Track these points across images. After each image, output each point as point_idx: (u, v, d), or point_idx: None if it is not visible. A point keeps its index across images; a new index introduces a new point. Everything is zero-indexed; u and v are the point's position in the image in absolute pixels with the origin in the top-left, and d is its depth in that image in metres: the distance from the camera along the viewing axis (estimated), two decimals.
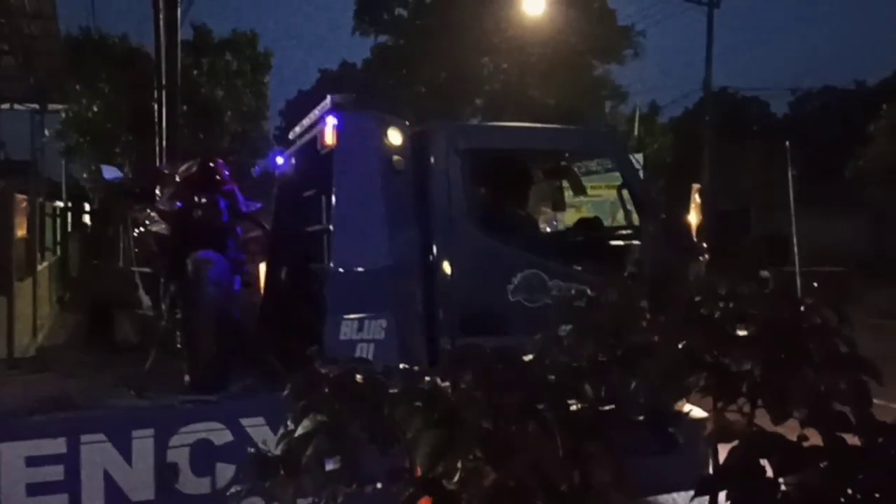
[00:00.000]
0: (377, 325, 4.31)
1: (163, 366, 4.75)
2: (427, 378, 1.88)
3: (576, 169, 6.20)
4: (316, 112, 5.31)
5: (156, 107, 12.11)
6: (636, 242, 5.26)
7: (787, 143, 10.79)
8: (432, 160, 4.81)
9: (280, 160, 6.43)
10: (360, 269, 4.49)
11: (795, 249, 8.52)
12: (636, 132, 28.82)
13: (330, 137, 4.68)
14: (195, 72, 22.63)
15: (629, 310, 2.09)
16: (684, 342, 1.80)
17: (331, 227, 4.70)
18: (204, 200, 5.06)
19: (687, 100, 34.92)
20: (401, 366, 2.02)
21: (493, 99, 30.17)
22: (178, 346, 5.03)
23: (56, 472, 3.78)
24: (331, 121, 4.69)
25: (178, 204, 5.10)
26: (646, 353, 1.89)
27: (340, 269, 4.49)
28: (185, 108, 13.69)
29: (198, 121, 21.33)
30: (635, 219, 5.28)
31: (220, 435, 4.02)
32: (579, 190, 6.11)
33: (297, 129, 5.92)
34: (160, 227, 5.40)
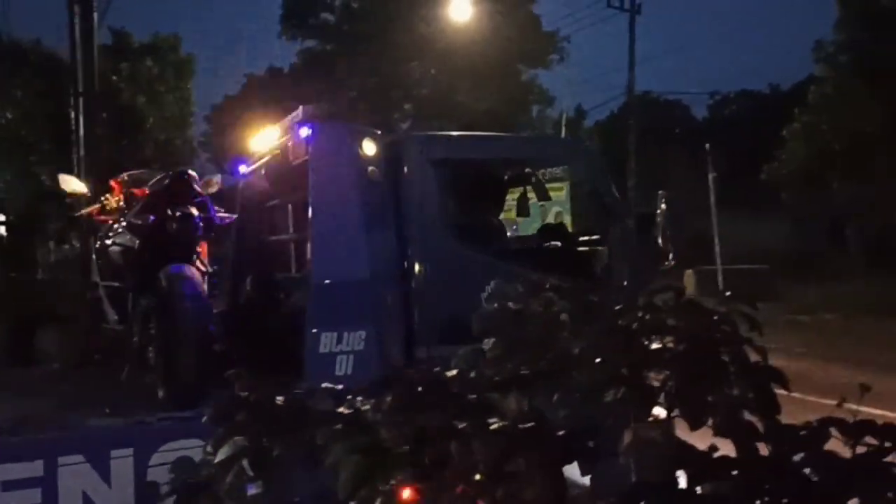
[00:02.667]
0: (356, 336, 4.28)
1: (134, 381, 4.63)
2: (353, 400, 1.87)
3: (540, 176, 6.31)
4: (286, 122, 5.24)
5: (72, 114, 11.71)
6: (602, 248, 5.35)
7: (707, 146, 11.11)
8: (406, 170, 4.80)
9: (244, 169, 6.32)
10: (338, 281, 4.44)
11: (718, 249, 8.80)
12: (563, 136, 29.30)
13: (303, 149, 4.65)
14: (114, 77, 21.96)
15: (553, 322, 2.11)
16: (604, 355, 1.82)
17: (307, 239, 4.64)
18: (178, 213, 4.96)
19: (612, 104, 35.68)
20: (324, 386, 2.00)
21: (422, 104, 30.26)
22: (151, 361, 4.89)
23: (33, 496, 3.64)
24: (304, 132, 4.65)
25: (152, 217, 5.00)
26: (568, 367, 1.92)
27: (319, 281, 4.44)
28: (104, 115, 13.28)
29: (119, 128, 20.70)
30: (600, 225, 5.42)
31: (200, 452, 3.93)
32: (544, 196, 6.25)
33: (263, 139, 5.85)
34: (126, 240, 5.28)
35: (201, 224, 5.06)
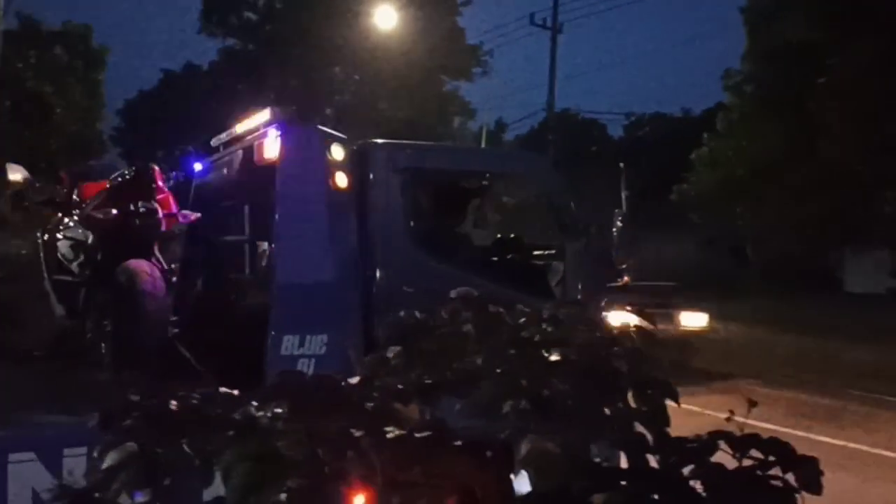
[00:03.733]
0: (318, 340, 4.27)
1: (84, 378, 4.46)
2: (248, 405, 1.82)
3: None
4: (251, 122, 5.17)
5: None
6: (558, 262, 5.41)
7: (622, 164, 11.41)
8: (371, 177, 4.79)
9: (198, 167, 6.16)
10: (302, 284, 4.40)
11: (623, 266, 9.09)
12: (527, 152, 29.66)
13: (272, 150, 4.58)
14: (20, 65, 21.00)
15: (457, 334, 2.12)
16: (505, 367, 1.84)
17: (269, 241, 4.60)
18: (142, 209, 4.89)
19: (532, 119, 36.36)
20: (220, 391, 1.94)
21: (343, 109, 30.08)
22: (105, 357, 4.74)
23: None
24: (273, 133, 4.59)
25: (115, 211, 4.91)
26: (471, 378, 1.92)
27: (283, 284, 4.38)
28: (8, 103, 12.65)
29: (24, 117, 19.79)
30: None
31: None
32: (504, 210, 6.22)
33: (224, 137, 5.70)
34: (78, 234, 5.14)
35: (163, 220, 4.98)
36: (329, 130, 4.91)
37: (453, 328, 2.01)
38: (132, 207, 4.87)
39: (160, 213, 4.94)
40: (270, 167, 4.61)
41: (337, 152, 4.65)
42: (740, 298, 21.01)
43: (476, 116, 32.89)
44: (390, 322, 2.15)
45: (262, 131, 4.80)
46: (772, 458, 1.64)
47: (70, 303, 5.25)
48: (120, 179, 5.16)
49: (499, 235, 6.34)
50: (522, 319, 1.98)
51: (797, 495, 1.54)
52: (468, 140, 30.31)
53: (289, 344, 4.24)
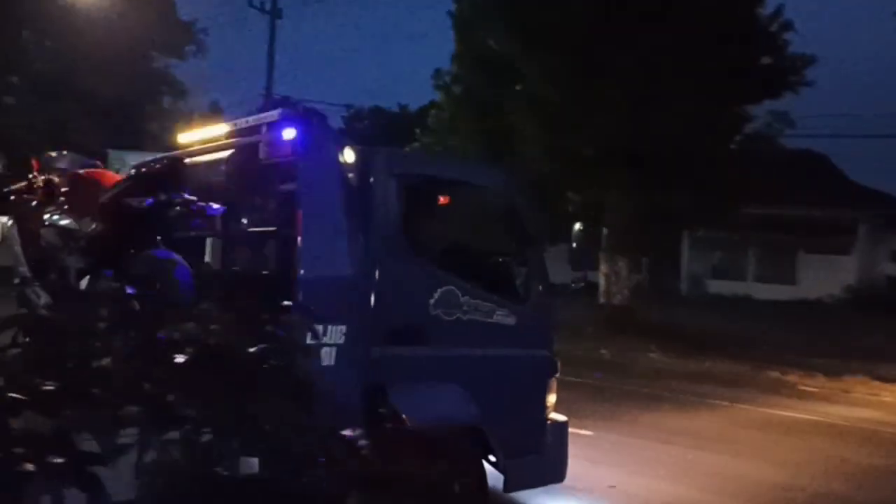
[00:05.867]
0: (338, 330, 4.60)
1: None
2: None
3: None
4: (250, 120, 5.56)
5: None
6: (520, 266, 6.12)
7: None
8: (371, 180, 5.11)
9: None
10: (324, 278, 4.72)
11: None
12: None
13: (286, 149, 4.91)
14: None
15: (88, 333, 1.93)
16: (133, 370, 1.71)
17: (278, 236, 5.08)
18: (178, 199, 5.11)
19: (250, 104, 35.40)
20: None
21: (36, 80, 26.92)
22: None
23: None
24: (289, 133, 4.88)
25: (148, 201, 5.08)
26: (97, 382, 1.76)
27: (307, 277, 4.61)
28: None
29: None
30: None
31: None
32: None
33: (206, 135, 6.01)
34: (68, 223, 5.34)
35: (195, 213, 5.20)
36: (338, 133, 5.34)
37: (83, 327, 1.82)
38: (166, 197, 5.07)
39: (193, 206, 5.16)
40: (279, 164, 5.06)
41: (349, 154, 5.01)
42: None
43: (188, 97, 31.29)
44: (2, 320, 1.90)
45: (271, 130, 5.15)
46: None
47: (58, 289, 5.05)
48: (145, 170, 5.43)
49: (468, 239, 6.67)
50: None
51: None
52: (178, 120, 28.71)
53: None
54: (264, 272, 5.51)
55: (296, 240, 4.73)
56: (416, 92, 72.02)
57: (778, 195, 25.00)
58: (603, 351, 17.20)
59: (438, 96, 24.46)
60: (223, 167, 5.75)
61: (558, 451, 5.89)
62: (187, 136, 6.26)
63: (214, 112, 32.57)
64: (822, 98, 20.83)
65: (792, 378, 14.89)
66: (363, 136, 40.75)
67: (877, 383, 14.48)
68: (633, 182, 18.19)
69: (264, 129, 5.27)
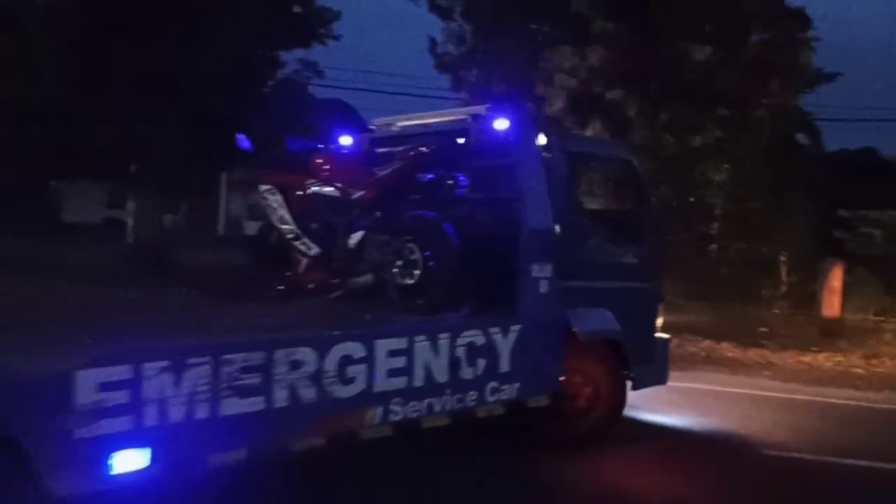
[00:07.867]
0: (549, 268, 6.27)
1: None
2: None
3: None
4: (459, 112, 7.33)
5: None
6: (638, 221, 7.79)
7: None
8: (551, 157, 6.61)
9: (348, 140, 7.52)
10: (539, 230, 6.32)
11: None
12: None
13: (501, 135, 6.39)
14: None
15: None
16: None
17: (510, 201, 6.38)
18: (453, 175, 6.43)
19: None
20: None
21: None
22: (398, 281, 6.15)
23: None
24: (502, 123, 6.39)
25: (430, 175, 6.41)
26: None
27: (529, 233, 6.25)
28: None
29: None
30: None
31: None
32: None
33: (403, 123, 7.50)
34: (331, 191, 6.51)
35: (461, 188, 6.47)
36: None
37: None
38: (444, 173, 6.41)
39: (459, 181, 6.44)
40: (489, 148, 6.43)
41: (541, 138, 6.52)
42: None
43: None
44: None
45: (481, 119, 6.55)
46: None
47: (325, 244, 6.63)
48: (413, 153, 6.50)
49: (608, 199, 8.82)
50: None
51: None
52: None
53: (535, 270, 6.19)
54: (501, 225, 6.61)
55: (521, 203, 6.26)
56: None
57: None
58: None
59: None
60: (427, 149, 6.70)
61: (664, 360, 7.62)
62: (382, 122, 7.63)
63: None
64: None
65: None
66: None
67: None
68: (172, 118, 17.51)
69: (477, 118, 6.61)
